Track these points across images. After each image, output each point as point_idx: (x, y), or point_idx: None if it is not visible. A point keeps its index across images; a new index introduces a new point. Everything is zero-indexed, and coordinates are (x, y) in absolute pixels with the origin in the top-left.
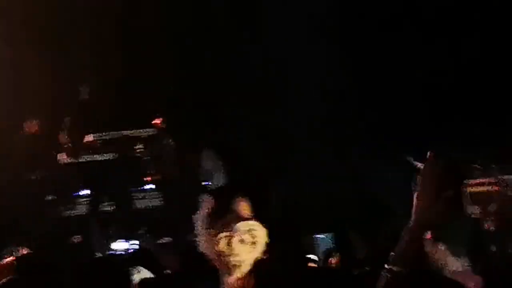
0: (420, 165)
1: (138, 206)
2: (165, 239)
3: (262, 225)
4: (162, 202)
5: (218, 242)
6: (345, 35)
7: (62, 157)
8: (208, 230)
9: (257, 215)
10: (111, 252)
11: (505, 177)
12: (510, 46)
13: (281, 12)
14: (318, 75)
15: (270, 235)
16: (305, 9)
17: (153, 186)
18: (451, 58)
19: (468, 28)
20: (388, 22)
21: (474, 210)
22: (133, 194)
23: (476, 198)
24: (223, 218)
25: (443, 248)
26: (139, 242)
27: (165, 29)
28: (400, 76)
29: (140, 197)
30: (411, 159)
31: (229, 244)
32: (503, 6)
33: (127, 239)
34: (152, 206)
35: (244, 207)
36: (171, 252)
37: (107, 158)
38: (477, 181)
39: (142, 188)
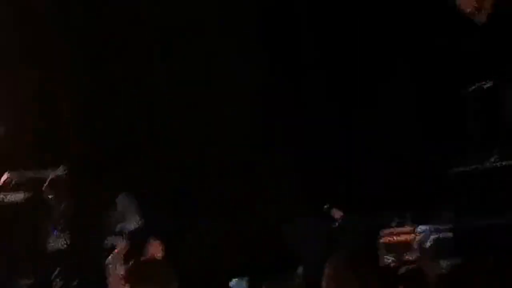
0: (338, 215)
1: (49, 248)
2: (76, 283)
3: (174, 268)
4: (73, 245)
5: (130, 284)
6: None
7: None
8: (120, 272)
9: (170, 258)
10: None
11: (421, 227)
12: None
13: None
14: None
15: (182, 279)
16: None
17: (63, 229)
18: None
19: None
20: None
21: (388, 260)
22: (43, 237)
23: (391, 248)
24: (136, 261)
25: None
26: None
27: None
28: None
29: (51, 239)
30: (328, 209)
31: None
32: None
33: (37, 283)
34: (62, 249)
35: (156, 250)
36: None
37: (17, 199)
38: (392, 230)
39: (52, 230)
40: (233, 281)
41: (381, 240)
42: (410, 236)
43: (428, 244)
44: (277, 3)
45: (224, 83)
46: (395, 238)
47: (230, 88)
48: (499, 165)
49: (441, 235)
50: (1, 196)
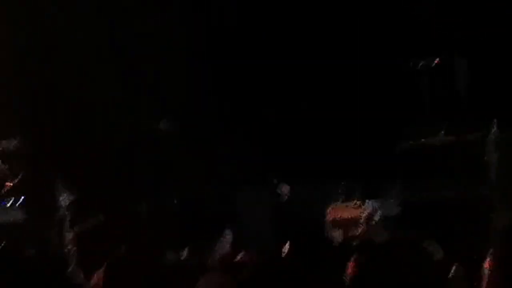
0: (285, 190)
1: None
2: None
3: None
4: (25, 216)
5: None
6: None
7: None
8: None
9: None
10: None
11: (370, 201)
12: None
13: None
14: None
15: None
16: None
17: (15, 200)
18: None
19: None
20: None
21: (336, 235)
22: None
23: (339, 223)
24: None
25: None
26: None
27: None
28: None
29: (3, 211)
30: (277, 183)
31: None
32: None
33: None
34: (14, 220)
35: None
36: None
37: None
38: (339, 205)
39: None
40: None
41: (328, 216)
42: (358, 211)
43: (375, 219)
44: None
45: None
46: (342, 213)
47: None
48: (448, 140)
49: (388, 210)
50: None
